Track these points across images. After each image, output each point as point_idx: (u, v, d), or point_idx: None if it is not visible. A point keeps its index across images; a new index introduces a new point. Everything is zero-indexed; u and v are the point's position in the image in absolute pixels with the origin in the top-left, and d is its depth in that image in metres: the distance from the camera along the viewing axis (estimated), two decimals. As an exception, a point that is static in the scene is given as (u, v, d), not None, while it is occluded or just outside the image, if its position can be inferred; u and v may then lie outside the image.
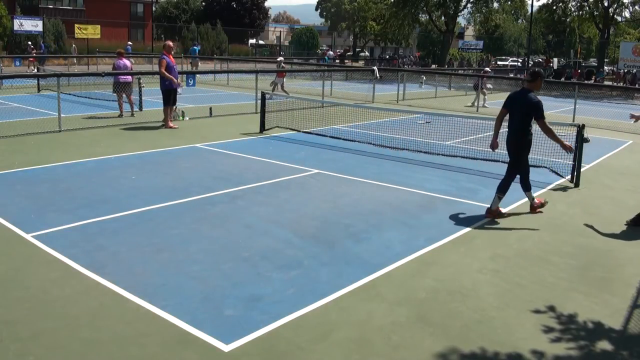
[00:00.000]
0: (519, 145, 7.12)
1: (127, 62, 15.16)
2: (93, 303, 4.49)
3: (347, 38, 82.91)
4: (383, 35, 58.71)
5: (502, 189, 7.16)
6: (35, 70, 26.91)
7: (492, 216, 7.08)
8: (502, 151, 11.33)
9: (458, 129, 12.96)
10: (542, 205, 7.43)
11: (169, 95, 13.18)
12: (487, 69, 27.95)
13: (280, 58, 23.59)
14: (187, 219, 6.57)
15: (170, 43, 13.88)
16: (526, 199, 8.08)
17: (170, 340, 3.98)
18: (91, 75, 19.66)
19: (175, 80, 13.13)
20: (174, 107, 14.48)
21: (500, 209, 7.20)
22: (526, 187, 7.30)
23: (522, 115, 7.05)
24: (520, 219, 7.15)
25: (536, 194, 8.40)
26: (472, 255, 5.84)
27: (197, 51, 34.65)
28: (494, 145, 7.43)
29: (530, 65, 45.66)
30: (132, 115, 14.71)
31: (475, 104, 20.89)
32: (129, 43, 38.89)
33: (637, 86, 32.15)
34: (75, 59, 33.55)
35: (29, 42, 30.63)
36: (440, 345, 4.06)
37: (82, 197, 7.29)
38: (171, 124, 13.27)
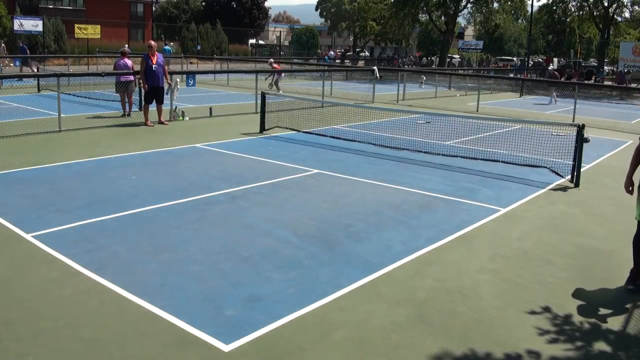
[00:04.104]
0: None
1: (128, 61, 15.17)
2: (93, 303, 4.49)
3: (347, 38, 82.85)
4: (383, 35, 58.72)
5: None
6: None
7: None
8: (503, 151, 11.40)
9: (458, 129, 12.97)
10: None
11: (147, 94, 13.60)
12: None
13: (271, 60, 24.50)
14: (187, 219, 6.57)
15: (152, 42, 14.01)
16: (526, 198, 8.09)
17: (170, 340, 3.98)
18: (91, 75, 19.67)
19: (145, 84, 13.46)
20: (174, 107, 14.53)
21: None
22: None
23: None
24: (520, 219, 7.15)
25: (536, 194, 8.42)
26: (472, 255, 5.84)
27: (169, 51, 34.54)
28: (627, 185, 5.54)
29: (530, 65, 45.65)
30: (129, 115, 14.69)
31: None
32: (126, 46, 38.67)
33: (629, 85, 32.35)
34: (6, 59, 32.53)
35: None
36: (440, 345, 4.06)
37: (82, 197, 7.28)
38: (149, 122, 13.44)
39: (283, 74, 22.98)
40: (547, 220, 7.14)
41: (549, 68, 30.29)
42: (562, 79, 35.99)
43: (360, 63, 54.01)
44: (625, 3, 46.46)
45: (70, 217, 6.46)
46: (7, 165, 8.90)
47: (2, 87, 20.11)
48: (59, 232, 6.00)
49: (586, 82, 33.96)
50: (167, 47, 35.49)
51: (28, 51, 30.97)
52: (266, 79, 22.39)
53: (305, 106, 16.46)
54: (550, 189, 8.72)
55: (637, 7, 51.40)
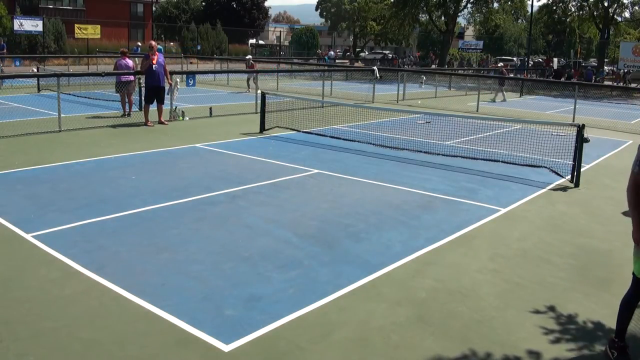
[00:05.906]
0: None
1: (129, 61, 15.19)
2: (93, 303, 4.49)
3: (347, 38, 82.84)
4: (383, 35, 58.68)
5: None
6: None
7: None
8: (503, 150, 11.40)
9: (458, 129, 12.97)
10: None
11: (148, 94, 13.67)
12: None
13: (249, 56, 24.96)
14: (187, 219, 6.57)
15: (153, 42, 14.12)
16: (526, 198, 8.10)
17: (170, 340, 3.98)
18: (91, 75, 19.67)
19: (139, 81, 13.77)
20: (174, 107, 14.53)
21: None
22: None
23: None
24: (520, 219, 7.15)
25: (536, 194, 8.42)
26: (472, 255, 5.84)
27: (159, 50, 34.58)
28: (636, 238, 3.89)
29: (530, 65, 45.63)
30: (129, 115, 14.69)
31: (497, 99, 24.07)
32: (138, 43, 38.73)
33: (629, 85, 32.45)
34: None
35: None
36: (440, 345, 4.06)
37: (82, 197, 7.29)
38: (149, 122, 13.48)
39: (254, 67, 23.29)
40: (547, 220, 7.14)
41: (499, 65, 30.96)
42: (562, 79, 36.02)
43: (360, 63, 54.01)
44: (625, 3, 46.51)
45: (70, 217, 6.46)
46: (7, 165, 8.90)
47: (2, 87, 20.09)
48: (59, 232, 6.00)
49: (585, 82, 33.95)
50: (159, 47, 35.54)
51: (5, 49, 30.92)
52: (252, 80, 22.52)
53: (305, 106, 16.46)
54: (550, 189, 8.72)
55: (637, 7, 51.43)
